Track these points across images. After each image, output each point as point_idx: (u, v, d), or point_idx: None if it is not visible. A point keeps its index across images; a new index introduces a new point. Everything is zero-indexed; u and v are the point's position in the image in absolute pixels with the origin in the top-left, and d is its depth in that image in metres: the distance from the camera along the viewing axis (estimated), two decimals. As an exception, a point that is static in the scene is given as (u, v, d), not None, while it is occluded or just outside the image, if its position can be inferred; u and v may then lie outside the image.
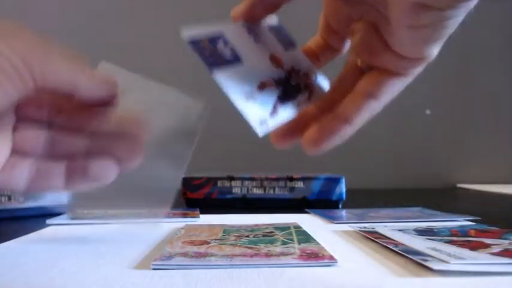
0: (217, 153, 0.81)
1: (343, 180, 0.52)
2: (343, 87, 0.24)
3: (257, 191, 0.52)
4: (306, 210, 0.46)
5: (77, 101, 0.25)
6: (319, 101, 0.25)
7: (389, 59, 0.23)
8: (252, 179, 0.52)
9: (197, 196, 0.51)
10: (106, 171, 0.25)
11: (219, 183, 0.52)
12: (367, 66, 0.24)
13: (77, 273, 0.23)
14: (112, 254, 0.27)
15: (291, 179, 0.52)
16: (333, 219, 0.40)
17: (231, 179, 0.52)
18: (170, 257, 0.24)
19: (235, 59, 0.23)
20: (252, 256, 0.25)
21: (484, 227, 0.34)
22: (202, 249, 0.26)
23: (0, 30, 0.22)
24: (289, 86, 0.25)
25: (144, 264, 0.24)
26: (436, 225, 0.35)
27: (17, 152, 0.25)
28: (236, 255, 0.25)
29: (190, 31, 0.22)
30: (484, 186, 0.83)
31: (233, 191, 0.52)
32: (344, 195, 0.51)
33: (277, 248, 0.26)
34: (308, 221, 0.39)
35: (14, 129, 0.25)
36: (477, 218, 0.39)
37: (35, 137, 0.27)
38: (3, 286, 0.21)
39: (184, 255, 0.25)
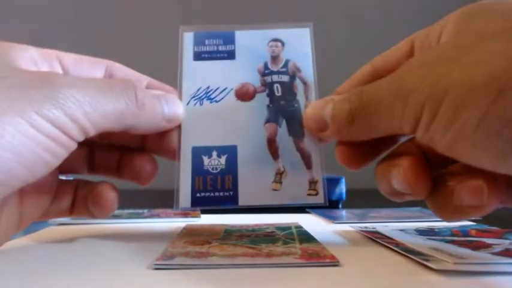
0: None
1: (343, 180, 0.52)
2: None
3: (257, 191, 0.52)
4: (307, 210, 0.46)
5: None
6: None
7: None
8: (252, 179, 0.52)
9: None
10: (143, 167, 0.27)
11: (220, 183, 0.52)
12: None
13: (77, 273, 0.23)
14: (113, 254, 0.27)
15: (292, 179, 0.52)
16: (333, 219, 0.40)
17: (231, 179, 0.52)
18: (172, 256, 0.24)
19: None
20: (253, 256, 0.25)
21: (485, 226, 0.34)
22: (203, 249, 0.26)
23: (32, 85, 0.20)
24: None
25: (146, 264, 0.24)
26: (437, 225, 0.35)
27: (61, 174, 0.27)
28: (237, 255, 0.25)
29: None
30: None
31: (233, 191, 0.52)
32: (344, 195, 0.51)
33: (279, 248, 0.27)
34: (309, 221, 0.39)
35: None
36: (478, 218, 0.39)
37: (80, 158, 0.28)
38: (3, 286, 0.21)
39: (186, 255, 0.25)
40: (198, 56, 0.27)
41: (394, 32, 0.92)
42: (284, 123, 0.26)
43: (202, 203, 0.24)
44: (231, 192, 0.24)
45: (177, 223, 0.37)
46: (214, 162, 0.24)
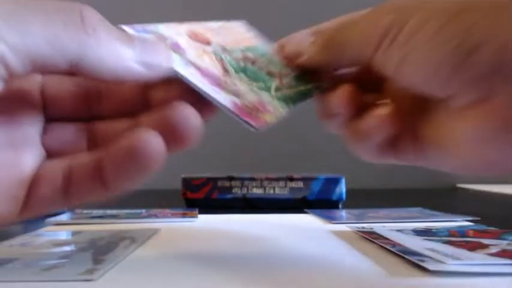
0: (217, 153, 0.81)
1: (343, 180, 0.52)
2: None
3: (257, 191, 0.52)
4: (305, 210, 0.46)
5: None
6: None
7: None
8: (252, 179, 0.52)
9: (197, 196, 0.51)
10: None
11: (219, 183, 0.52)
12: None
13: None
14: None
15: (291, 179, 0.52)
16: (331, 219, 0.40)
17: (231, 179, 0.52)
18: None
19: None
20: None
21: (483, 227, 0.34)
22: None
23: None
24: None
25: (146, 263, 0.24)
26: (435, 226, 0.35)
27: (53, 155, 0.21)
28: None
29: None
30: (484, 186, 0.83)
31: (233, 191, 0.52)
32: (344, 195, 0.51)
33: None
34: (305, 221, 0.39)
35: (46, 130, 0.21)
36: (477, 218, 0.39)
37: (72, 134, 0.22)
38: (3, 286, 0.21)
39: None
40: None
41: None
42: None
43: None
44: None
45: (175, 223, 0.37)
46: None
